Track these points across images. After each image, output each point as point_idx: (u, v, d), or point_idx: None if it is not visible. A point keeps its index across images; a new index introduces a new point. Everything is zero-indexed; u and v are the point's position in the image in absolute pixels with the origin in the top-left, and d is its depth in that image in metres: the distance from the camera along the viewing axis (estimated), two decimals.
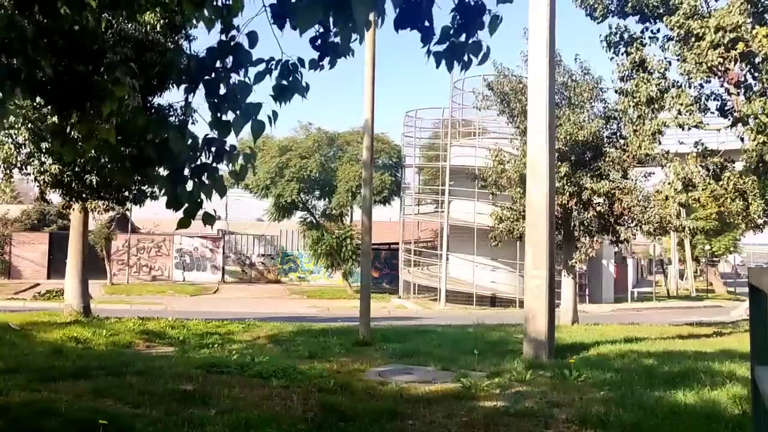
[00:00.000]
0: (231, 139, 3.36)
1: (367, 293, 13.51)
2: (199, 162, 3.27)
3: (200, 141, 3.26)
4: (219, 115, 3.13)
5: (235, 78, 3.13)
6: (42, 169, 12.72)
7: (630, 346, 11.67)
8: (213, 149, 3.25)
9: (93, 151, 3.64)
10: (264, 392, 6.84)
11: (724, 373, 8.13)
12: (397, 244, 35.08)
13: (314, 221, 36.30)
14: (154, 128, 3.40)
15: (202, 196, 3.28)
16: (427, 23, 2.90)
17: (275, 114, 3.16)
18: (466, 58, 3.02)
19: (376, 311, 16.40)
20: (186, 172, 3.27)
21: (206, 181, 3.28)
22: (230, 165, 3.33)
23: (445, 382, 7.91)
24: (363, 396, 6.82)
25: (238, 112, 3.07)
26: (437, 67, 3.02)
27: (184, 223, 3.33)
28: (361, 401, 6.48)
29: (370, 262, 14.34)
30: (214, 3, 3.09)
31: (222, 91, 3.12)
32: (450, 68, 3.07)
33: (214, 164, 3.30)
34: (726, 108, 14.67)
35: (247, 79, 3.14)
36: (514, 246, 23.39)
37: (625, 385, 7.50)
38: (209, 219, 3.39)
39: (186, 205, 3.24)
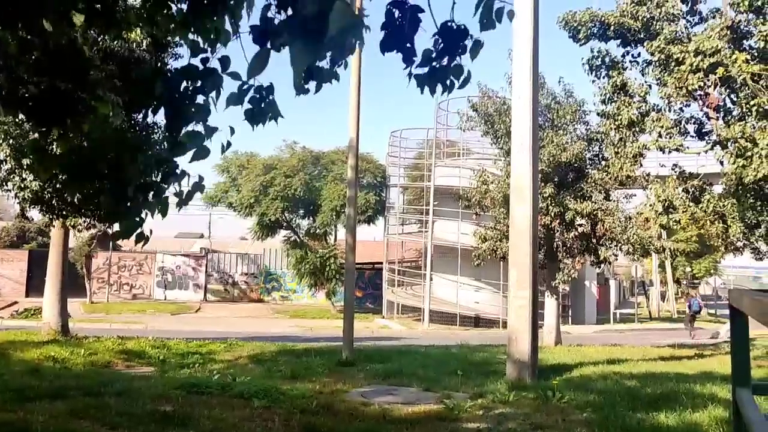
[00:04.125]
0: (184, 164, 3.37)
1: (351, 313, 13.45)
2: (146, 180, 3.28)
3: (153, 160, 3.27)
4: (174, 134, 3.15)
5: (198, 99, 3.15)
6: (23, 185, 12.58)
7: (612, 368, 11.70)
8: (163, 169, 3.26)
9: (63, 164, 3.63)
10: (245, 413, 6.76)
11: (706, 396, 8.18)
12: (381, 263, 35.02)
13: (298, 240, 36.14)
14: (111, 144, 3.41)
15: (144, 213, 3.28)
16: (408, 45, 2.93)
17: (228, 143, 3.20)
18: (448, 81, 3.05)
19: (359, 331, 16.31)
20: (130, 189, 3.27)
21: (150, 201, 3.27)
22: (176, 187, 3.33)
23: (428, 403, 7.87)
24: (345, 417, 6.75)
25: (189, 129, 3.09)
26: (421, 91, 3.04)
27: (118, 236, 3.35)
28: (343, 422, 6.42)
29: (353, 281, 14.29)
30: (209, 27, 3.10)
31: (186, 111, 3.13)
32: (432, 92, 3.09)
33: (162, 184, 3.30)
34: (703, 131, 14.93)
35: (211, 101, 3.16)
36: (498, 266, 23.46)
37: (607, 407, 7.50)
38: (142, 238, 3.38)
39: (124, 221, 3.24)
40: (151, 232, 3.35)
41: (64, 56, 3.54)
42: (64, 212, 13.18)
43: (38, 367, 10.19)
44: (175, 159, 3.27)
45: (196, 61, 3.12)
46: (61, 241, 15.39)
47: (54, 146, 3.86)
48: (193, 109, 3.09)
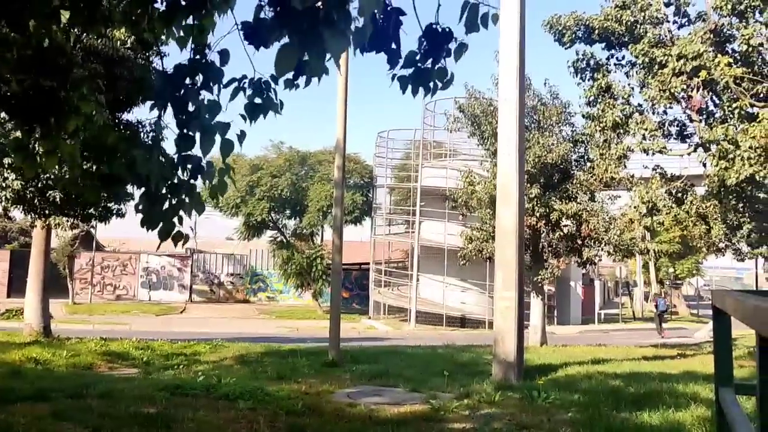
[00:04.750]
0: (206, 157, 3.32)
1: (337, 313, 13.42)
2: (176, 180, 3.23)
3: (176, 159, 3.22)
4: (186, 132, 3.10)
5: (205, 96, 3.10)
6: (4, 184, 12.43)
7: (597, 368, 11.77)
8: (189, 167, 3.21)
9: (57, 167, 3.57)
10: (230, 415, 6.71)
11: (689, 395, 8.25)
12: (368, 264, 35.02)
13: (284, 240, 36.04)
14: (124, 146, 3.36)
15: (181, 213, 3.23)
16: (393, 46, 2.93)
17: (243, 134, 3.14)
18: (431, 84, 3.05)
19: (345, 332, 16.29)
20: (163, 190, 3.22)
21: (185, 199, 3.23)
22: (207, 182, 3.29)
23: (414, 403, 7.87)
24: (332, 418, 6.73)
25: (203, 131, 3.04)
26: (403, 92, 3.04)
27: (161, 239, 3.29)
28: (329, 423, 6.41)
29: (340, 282, 14.27)
30: (185, 22, 3.06)
31: (191, 108, 3.07)
32: (415, 93, 3.09)
33: (192, 181, 3.25)
34: (686, 133, 15.11)
35: (217, 97, 3.11)
36: (484, 267, 23.53)
37: (592, 406, 7.55)
38: (180, 237, 3.32)
39: (161, 224, 3.18)
40: (191, 229, 3.32)
41: (47, 54, 3.50)
42: (46, 212, 13.05)
43: (20, 368, 10.06)
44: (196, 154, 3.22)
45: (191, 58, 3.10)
46: (43, 241, 15.22)
47: (36, 145, 3.82)
48: (200, 107, 3.05)
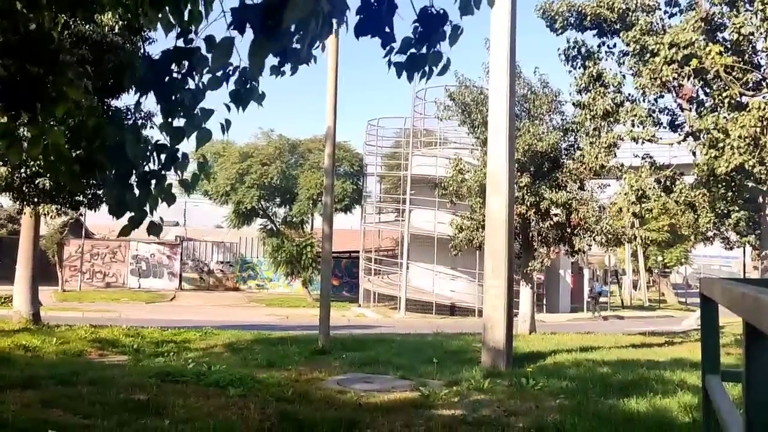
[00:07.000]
0: (183, 147, 3.23)
1: (327, 301, 13.44)
2: (147, 168, 3.16)
3: (150, 147, 3.16)
4: (170, 120, 3.05)
5: (189, 83, 3.05)
6: None
7: (585, 355, 11.88)
8: (163, 156, 3.15)
9: (41, 155, 3.51)
10: (221, 402, 6.73)
11: (675, 382, 8.35)
12: (358, 252, 35.04)
13: (274, 229, 35.94)
14: (108, 131, 3.30)
15: (149, 204, 3.15)
16: (387, 29, 2.90)
17: (228, 122, 3.09)
18: (427, 68, 3.02)
19: (335, 320, 16.33)
20: (133, 178, 3.15)
21: (153, 190, 3.16)
22: (180, 173, 3.22)
23: (404, 390, 7.92)
24: (322, 405, 6.77)
25: (187, 119, 2.99)
26: (398, 77, 3.02)
27: (125, 231, 3.20)
28: (319, 410, 6.44)
29: (330, 270, 14.28)
30: (182, 8, 3.02)
31: (176, 95, 3.03)
32: (410, 78, 3.06)
33: (163, 172, 3.18)
34: (676, 122, 15.17)
35: (201, 85, 3.06)
36: (474, 255, 23.60)
37: (580, 393, 7.62)
38: (154, 229, 3.22)
39: (130, 213, 3.12)
40: (162, 219, 3.21)
41: (34, 39, 3.45)
42: (35, 199, 12.95)
43: (9, 356, 10.02)
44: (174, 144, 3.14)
45: (179, 44, 3.04)
46: (31, 229, 15.11)
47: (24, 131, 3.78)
48: (184, 94, 3.00)
